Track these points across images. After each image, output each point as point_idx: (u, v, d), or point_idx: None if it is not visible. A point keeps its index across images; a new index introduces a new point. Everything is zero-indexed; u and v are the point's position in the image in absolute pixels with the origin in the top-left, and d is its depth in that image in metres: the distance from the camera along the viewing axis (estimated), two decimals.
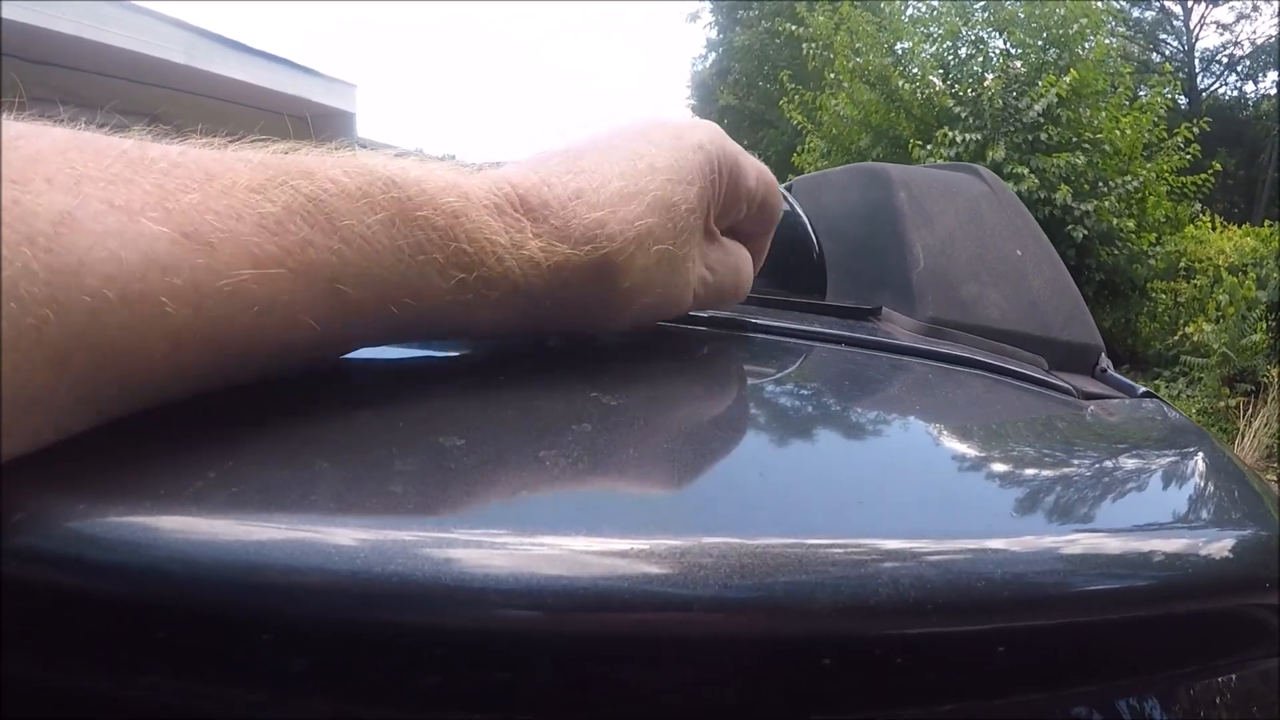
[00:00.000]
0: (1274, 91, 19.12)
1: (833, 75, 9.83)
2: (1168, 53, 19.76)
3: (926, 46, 9.62)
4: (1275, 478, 5.69)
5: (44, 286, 0.23)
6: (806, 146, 10.56)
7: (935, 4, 10.21)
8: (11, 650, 0.23)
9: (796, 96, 10.37)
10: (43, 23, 4.33)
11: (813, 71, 10.94)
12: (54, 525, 0.24)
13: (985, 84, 8.43)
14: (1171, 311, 8.27)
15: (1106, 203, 8.17)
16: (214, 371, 0.29)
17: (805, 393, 0.44)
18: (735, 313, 0.55)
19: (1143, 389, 0.58)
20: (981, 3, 9.61)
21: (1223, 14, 20.81)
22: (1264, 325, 6.81)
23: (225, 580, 0.23)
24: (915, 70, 9.26)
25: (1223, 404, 6.64)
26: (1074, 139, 8.16)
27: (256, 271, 0.27)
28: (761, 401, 0.42)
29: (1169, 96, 9.20)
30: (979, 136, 8.17)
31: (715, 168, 0.40)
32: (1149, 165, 8.67)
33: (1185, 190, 9.22)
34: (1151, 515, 0.35)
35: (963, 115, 8.33)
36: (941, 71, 9.16)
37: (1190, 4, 19.68)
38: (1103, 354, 0.66)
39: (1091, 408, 0.49)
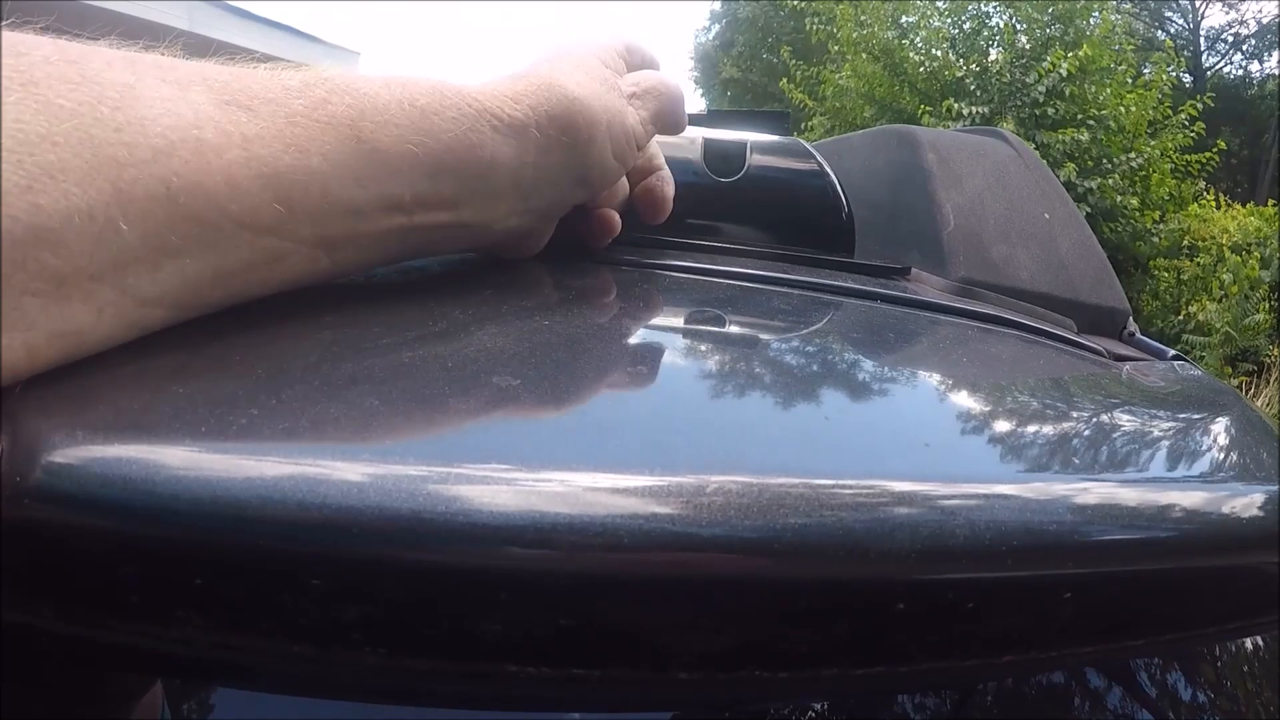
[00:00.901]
0: (1279, 71, 19.04)
1: (836, 48, 9.78)
2: (1173, 30, 19.65)
3: (932, 20, 9.56)
4: None
5: (114, 133, 0.27)
6: (810, 124, 10.52)
7: None
8: (38, 597, 0.23)
9: (798, 73, 10.32)
10: None
11: (816, 45, 10.88)
12: (83, 464, 0.23)
13: (991, 58, 8.38)
14: (1174, 290, 8.26)
15: (1110, 180, 8.13)
16: (270, 218, 0.32)
17: (854, 346, 0.44)
18: (773, 269, 0.55)
19: (1172, 352, 0.57)
20: None
21: None
22: (1267, 305, 6.81)
23: (272, 520, 0.22)
24: (921, 42, 9.21)
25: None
26: (1079, 115, 8.12)
27: (288, 122, 0.32)
28: (813, 353, 0.42)
29: (1172, 74, 9.15)
30: (985, 110, 8.13)
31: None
32: (1153, 143, 8.62)
33: (1189, 168, 9.18)
34: (1200, 469, 0.35)
35: (971, 87, 8.27)
36: (948, 45, 9.10)
37: None
38: (1130, 318, 0.65)
39: (1127, 369, 0.49)
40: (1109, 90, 8.36)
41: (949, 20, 9.36)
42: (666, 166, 0.55)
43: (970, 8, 9.34)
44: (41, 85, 0.26)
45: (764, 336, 0.43)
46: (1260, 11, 19.34)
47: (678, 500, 0.24)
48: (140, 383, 0.27)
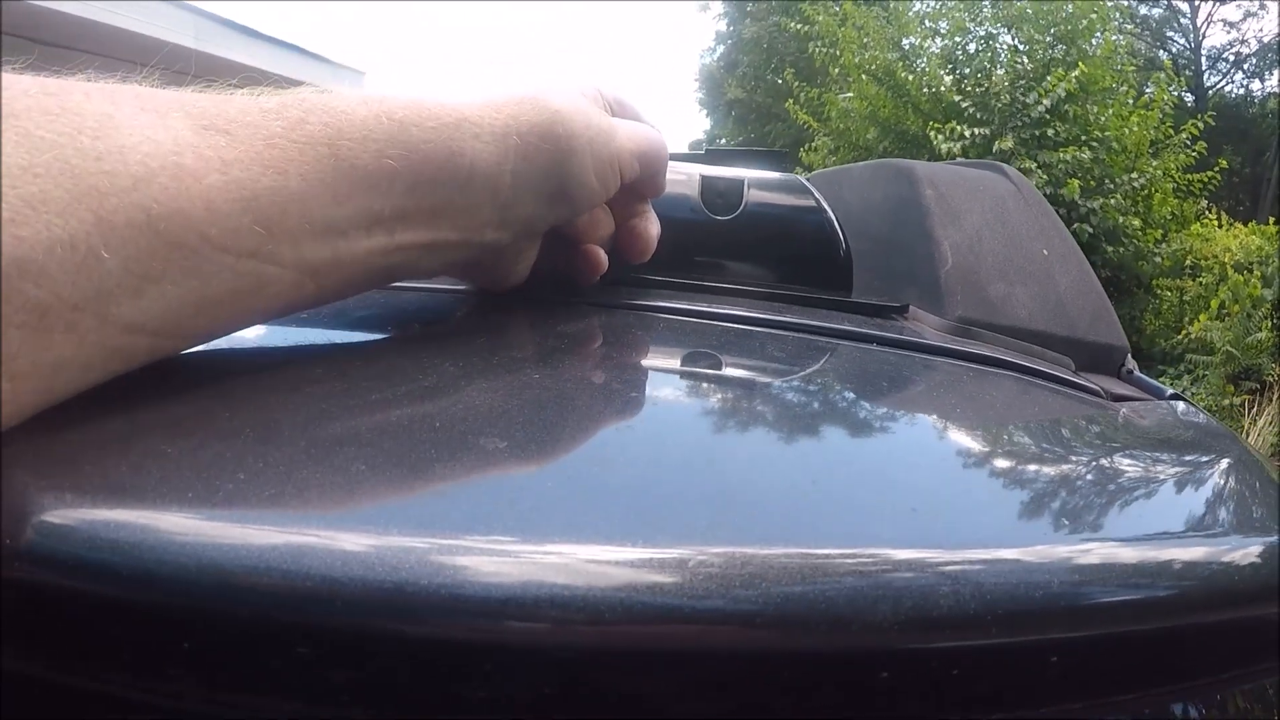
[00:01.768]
0: None
1: (838, 71, 9.79)
2: (1174, 50, 19.70)
3: (934, 42, 9.59)
4: None
5: (94, 162, 0.27)
6: (813, 145, 10.53)
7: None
8: (31, 655, 0.23)
9: (802, 95, 10.35)
10: (52, 5, 4.33)
11: (819, 67, 10.91)
12: (71, 528, 0.23)
13: (992, 80, 8.40)
14: (1177, 309, 8.25)
15: (1113, 200, 8.13)
16: (251, 241, 0.32)
17: (846, 395, 0.44)
18: (767, 311, 0.55)
19: (1170, 391, 0.57)
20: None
21: (1230, 12, 20.77)
22: (1269, 323, 6.80)
23: (256, 590, 0.22)
24: (923, 65, 9.23)
25: (1227, 402, 6.62)
26: (1081, 136, 8.13)
27: (266, 144, 0.33)
28: (805, 405, 0.41)
29: (1174, 94, 9.17)
30: (986, 131, 8.15)
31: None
32: (1155, 163, 8.62)
33: (1191, 188, 9.17)
34: (1199, 524, 0.35)
35: (970, 111, 8.29)
36: (950, 67, 9.13)
37: (1197, 1, 19.62)
38: (1128, 355, 0.65)
39: (1124, 411, 0.49)
40: (1111, 110, 8.38)
41: (953, 40, 9.38)
42: (652, 208, 0.55)
43: (973, 28, 9.36)
44: (21, 117, 0.27)
45: (756, 389, 0.43)
46: (1261, 31, 19.38)
47: (659, 573, 0.24)
48: (130, 442, 0.27)
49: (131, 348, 0.30)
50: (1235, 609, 0.30)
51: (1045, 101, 7.99)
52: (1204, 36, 20.07)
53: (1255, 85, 19.97)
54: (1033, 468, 0.37)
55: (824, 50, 10.25)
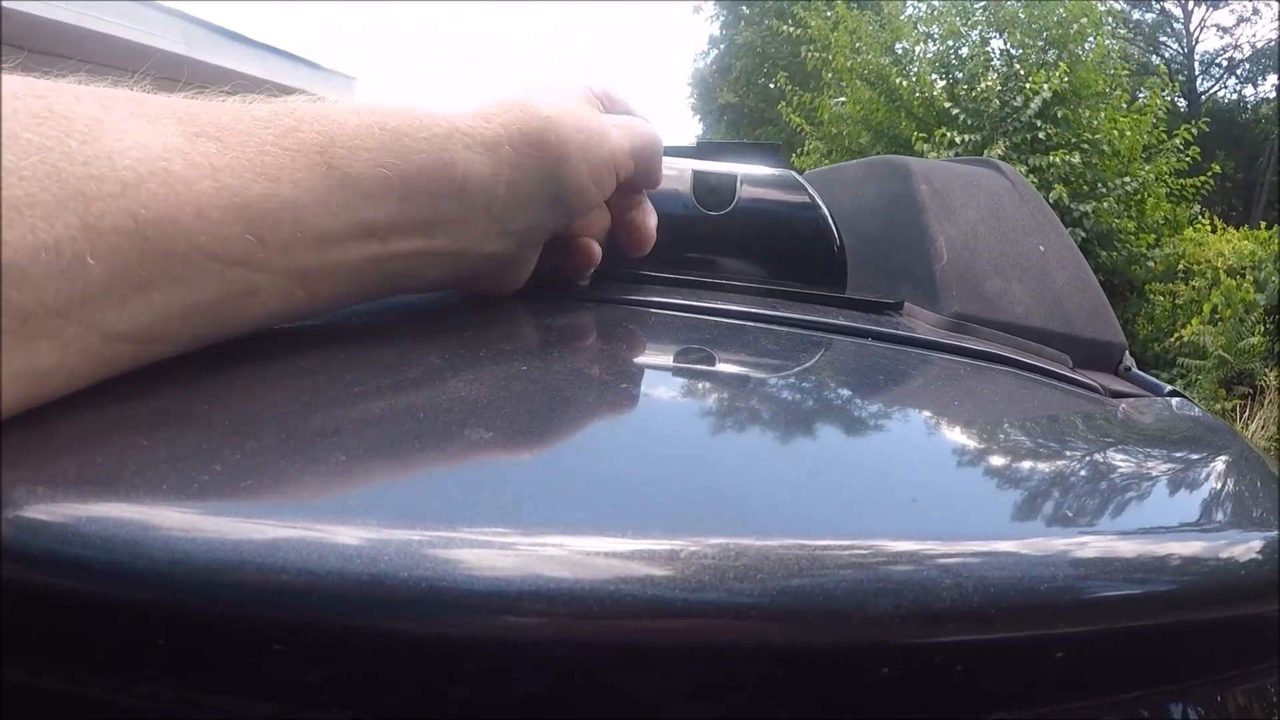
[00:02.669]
0: (1273, 95, 19.16)
1: (830, 75, 9.83)
2: (1167, 55, 19.78)
3: (926, 46, 9.63)
4: None
5: (82, 166, 0.27)
6: (806, 149, 10.57)
7: (936, 3, 10.22)
8: (8, 654, 0.22)
9: (795, 99, 10.39)
10: (42, 12, 4.33)
11: (812, 71, 10.95)
12: (48, 524, 0.22)
13: (984, 85, 8.45)
14: (1169, 314, 8.28)
15: (1105, 204, 8.18)
16: (241, 249, 0.31)
17: (842, 389, 0.44)
18: (760, 307, 0.54)
19: (1168, 387, 0.57)
20: (982, 3, 9.62)
21: (1223, 17, 20.84)
22: (1261, 328, 6.83)
23: (229, 584, 0.22)
24: (915, 69, 9.27)
25: (1220, 406, 6.65)
26: (1073, 139, 8.17)
27: (258, 151, 0.32)
28: (800, 398, 0.41)
29: (1167, 98, 9.22)
30: (978, 137, 8.19)
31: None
32: (1148, 167, 8.68)
33: (1184, 192, 9.23)
34: (1199, 517, 0.34)
35: (961, 117, 8.33)
36: (942, 70, 9.17)
37: (1190, 6, 19.72)
38: (1126, 352, 0.65)
39: (1123, 406, 0.48)
40: (1103, 115, 8.42)
41: (945, 45, 9.42)
42: (648, 199, 0.54)
43: (965, 33, 9.40)
44: (9, 119, 0.26)
45: (750, 381, 0.42)
46: (1254, 36, 19.48)
47: (649, 566, 0.23)
48: (105, 434, 0.27)
49: (116, 356, 0.29)
50: (1237, 605, 0.30)
51: (1034, 103, 8.05)
52: (1197, 42, 20.18)
53: (1248, 91, 20.09)
54: (1031, 463, 0.37)
55: (816, 54, 10.30)
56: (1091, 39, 8.70)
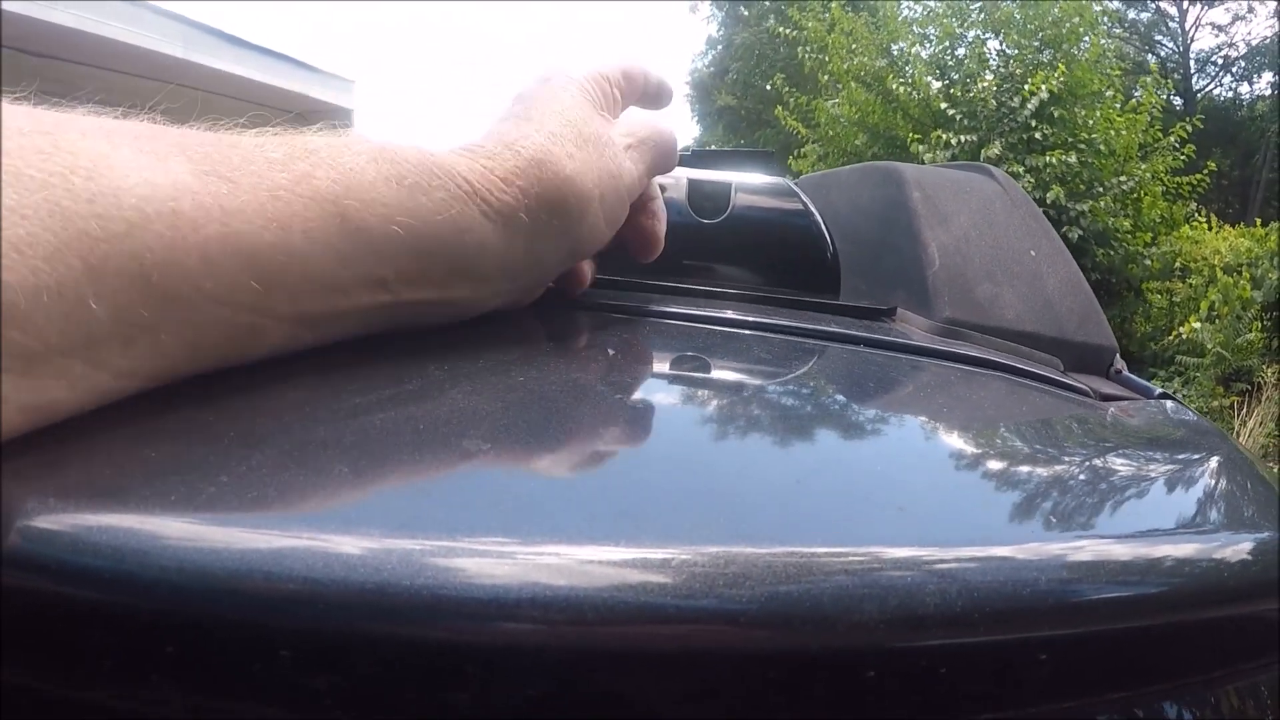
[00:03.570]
0: (1269, 92, 19.18)
1: (827, 77, 9.83)
2: (1163, 54, 19.79)
3: (922, 48, 9.63)
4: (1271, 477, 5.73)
5: (86, 204, 0.26)
6: (803, 152, 10.58)
7: (931, 4, 10.23)
8: (12, 660, 0.23)
9: (791, 101, 10.39)
10: (41, 15, 4.32)
11: (809, 73, 10.94)
12: (54, 532, 0.23)
13: (979, 86, 8.45)
14: (1167, 312, 8.29)
15: (1102, 203, 8.19)
16: (248, 295, 0.31)
17: (832, 396, 0.44)
18: (754, 314, 0.55)
19: (1159, 390, 0.57)
20: (978, 4, 9.62)
21: (1218, 15, 20.85)
22: (1258, 325, 6.84)
23: (237, 593, 0.22)
24: (910, 71, 9.27)
25: (1217, 404, 6.66)
26: (1069, 139, 8.18)
27: (270, 196, 0.31)
28: (792, 406, 0.41)
29: (1162, 96, 9.23)
30: (974, 138, 8.21)
31: (592, 88, 0.47)
32: (1144, 166, 8.69)
33: (1181, 190, 9.24)
34: (1185, 521, 0.35)
35: (957, 118, 8.35)
36: (938, 72, 9.17)
37: (1185, 5, 19.72)
38: (1117, 355, 0.65)
39: (1112, 410, 0.49)
40: (1099, 114, 8.44)
41: (941, 46, 9.42)
42: (660, 199, 0.54)
43: (960, 32, 9.41)
44: (13, 155, 0.26)
45: (744, 389, 0.43)
46: (1250, 34, 19.49)
47: (643, 573, 0.23)
48: (112, 446, 0.27)
49: (122, 391, 0.29)
50: (1224, 606, 0.30)
51: (1030, 104, 8.06)
52: (1192, 40, 20.19)
53: (1244, 88, 20.10)
54: (1019, 467, 0.37)
55: (813, 56, 10.30)
56: (1087, 39, 8.71)
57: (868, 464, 0.33)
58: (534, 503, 0.27)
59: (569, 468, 0.30)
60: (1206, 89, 20.25)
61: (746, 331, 0.52)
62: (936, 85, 8.89)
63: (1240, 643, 0.31)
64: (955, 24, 9.38)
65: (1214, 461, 0.41)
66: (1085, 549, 0.29)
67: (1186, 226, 9.26)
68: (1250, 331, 6.78)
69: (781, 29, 11.24)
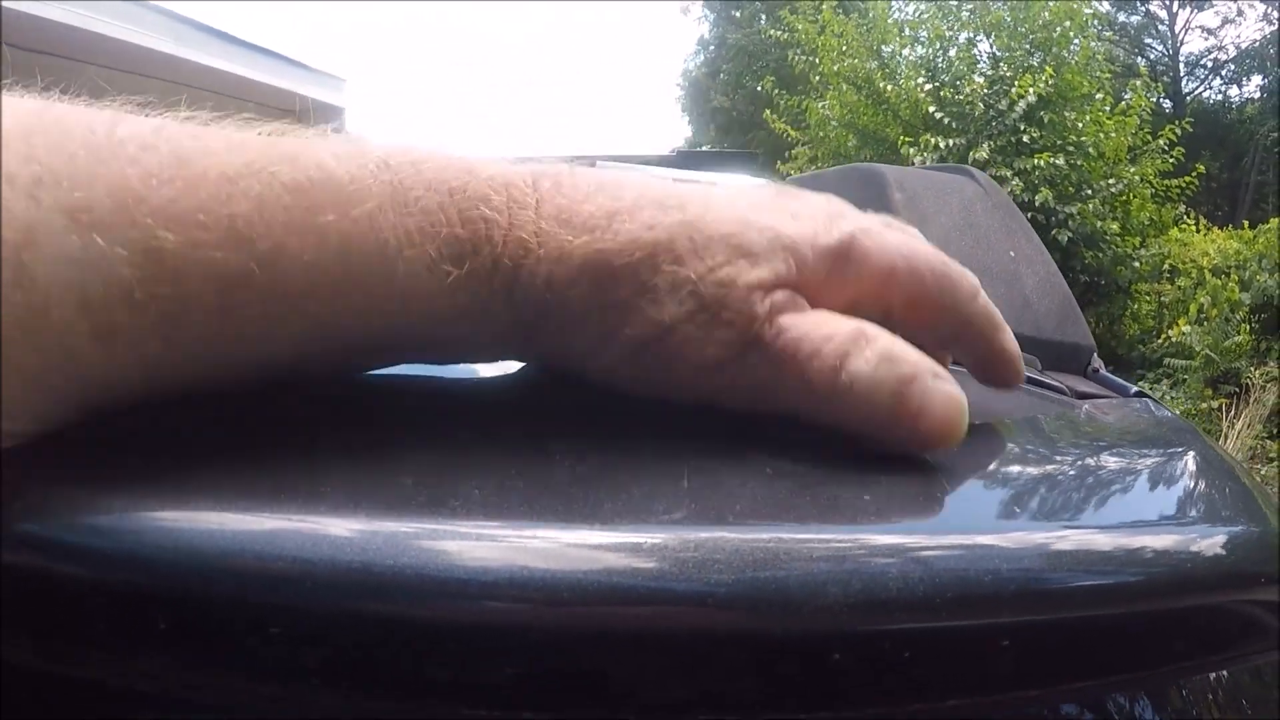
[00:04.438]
0: (1258, 95, 19.26)
1: (817, 79, 9.87)
2: (1153, 57, 19.85)
3: (912, 50, 9.66)
4: (1259, 478, 5.75)
5: (17, 308, 0.23)
6: (792, 154, 10.61)
7: (922, 5, 10.25)
8: (13, 638, 0.24)
9: (782, 103, 10.42)
10: (33, 10, 4.32)
11: (799, 75, 10.97)
12: (56, 511, 0.24)
13: (969, 89, 8.49)
14: (1155, 313, 8.34)
15: (1091, 205, 8.23)
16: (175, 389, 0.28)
17: None
18: None
19: (1135, 388, 0.58)
20: (970, 6, 9.65)
21: (1208, 18, 20.93)
22: (1246, 327, 6.87)
23: (230, 571, 0.23)
24: (902, 72, 9.30)
25: (1206, 405, 6.68)
26: (1058, 142, 8.24)
27: (220, 290, 0.26)
28: None
29: (1151, 99, 9.27)
30: (963, 140, 8.27)
31: (807, 242, 0.32)
32: (1133, 168, 8.76)
33: (1169, 193, 9.29)
34: (1148, 512, 0.36)
35: (945, 121, 8.40)
36: (929, 74, 9.20)
37: (1175, 8, 19.78)
38: (1094, 354, 0.66)
39: (1086, 407, 0.50)
40: (1088, 117, 8.49)
41: (932, 48, 9.45)
42: None
43: (950, 35, 9.44)
44: None
45: None
46: (1239, 38, 19.58)
47: (618, 556, 0.24)
48: (112, 429, 0.28)
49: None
50: (1189, 597, 0.31)
51: (1019, 106, 8.11)
52: (1182, 43, 20.25)
53: (1233, 91, 20.18)
54: (989, 460, 0.38)
55: (803, 58, 10.33)
56: (1076, 42, 8.76)
57: (837, 457, 0.34)
58: (518, 490, 0.28)
59: (552, 459, 0.31)
60: (1196, 92, 20.33)
61: None
62: (927, 87, 8.92)
63: (1208, 635, 0.32)
64: (945, 27, 9.41)
65: (1186, 458, 0.42)
66: (1048, 538, 0.29)
67: (1175, 229, 9.31)
68: (1239, 334, 6.82)
69: (773, 31, 11.27)
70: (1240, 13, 19.06)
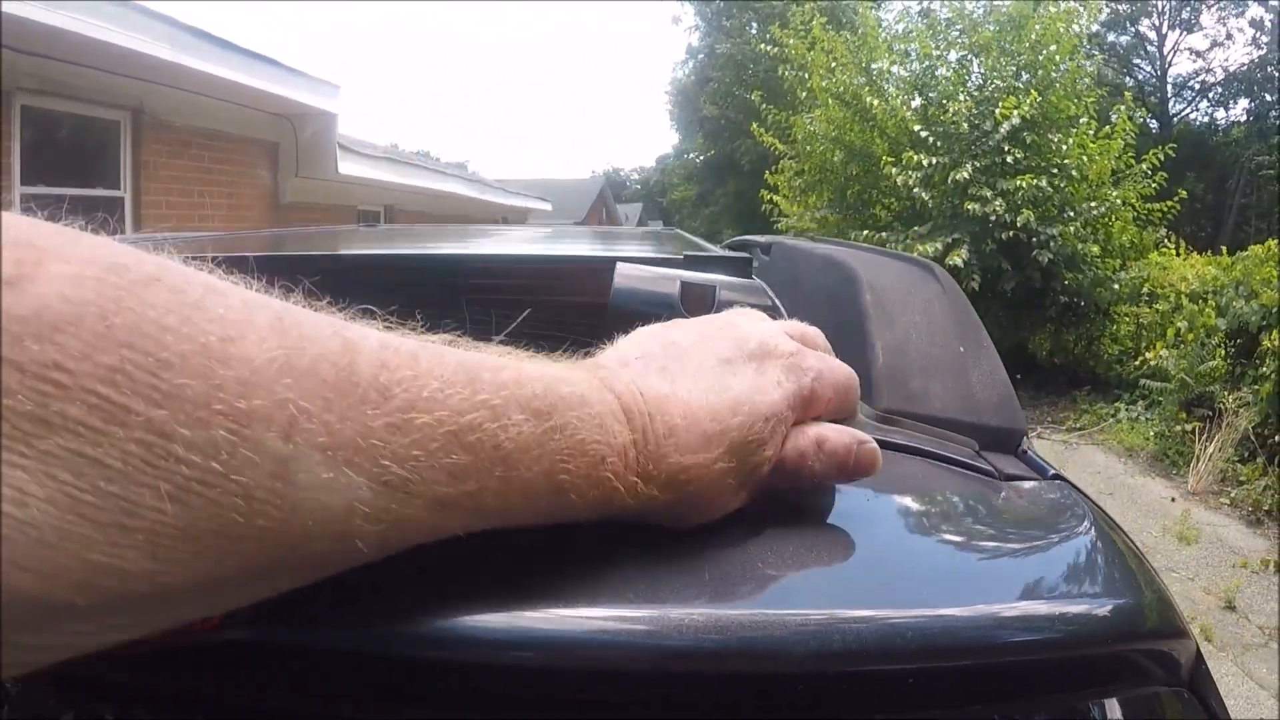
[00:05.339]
0: (1244, 119, 19.34)
1: (805, 93, 9.88)
2: (1141, 77, 19.92)
3: (902, 67, 9.67)
4: (1228, 501, 5.79)
5: (274, 518, 0.27)
6: (779, 167, 10.65)
7: (913, 20, 10.25)
8: None
9: (769, 117, 10.45)
10: (35, 15, 4.33)
11: (788, 88, 10.93)
12: None
13: (954, 108, 8.51)
14: (1134, 335, 8.38)
15: (1072, 227, 8.28)
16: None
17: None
18: None
19: (1053, 471, 0.68)
20: (959, 27, 9.68)
21: (1197, 41, 21.05)
22: (1221, 352, 6.90)
23: None
24: (890, 88, 9.32)
25: (1179, 428, 6.75)
26: (1042, 164, 8.27)
27: (437, 512, 0.31)
28: None
29: (1137, 121, 9.27)
30: (946, 159, 8.30)
31: (791, 402, 0.44)
32: (1116, 192, 8.76)
33: (1151, 216, 9.29)
34: (1045, 585, 0.45)
35: (929, 140, 8.42)
36: (917, 92, 9.23)
37: (1164, 30, 19.87)
38: (1025, 436, 0.76)
39: (1005, 491, 0.59)
40: (1072, 140, 8.52)
41: (923, 67, 9.48)
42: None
43: (939, 53, 9.48)
44: None
45: None
46: (1227, 60, 19.67)
47: (610, 626, 0.35)
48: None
49: None
50: (1080, 649, 0.40)
51: (1003, 127, 8.11)
52: (1170, 64, 20.34)
53: (1220, 114, 20.26)
54: (915, 537, 0.48)
55: (792, 74, 10.34)
56: (1064, 65, 8.78)
57: (784, 539, 0.44)
58: (554, 580, 0.37)
59: (573, 556, 0.39)
60: (1183, 113, 20.41)
61: None
62: (915, 104, 8.94)
63: (1104, 675, 0.41)
64: (934, 46, 9.44)
65: (1085, 537, 0.51)
66: (948, 606, 0.39)
67: (1155, 253, 9.33)
68: (1213, 358, 6.85)
69: (763, 46, 11.25)
70: (1229, 36, 19.21)
